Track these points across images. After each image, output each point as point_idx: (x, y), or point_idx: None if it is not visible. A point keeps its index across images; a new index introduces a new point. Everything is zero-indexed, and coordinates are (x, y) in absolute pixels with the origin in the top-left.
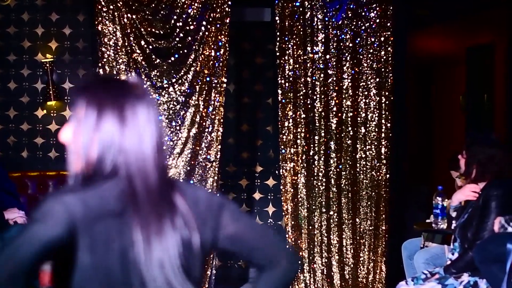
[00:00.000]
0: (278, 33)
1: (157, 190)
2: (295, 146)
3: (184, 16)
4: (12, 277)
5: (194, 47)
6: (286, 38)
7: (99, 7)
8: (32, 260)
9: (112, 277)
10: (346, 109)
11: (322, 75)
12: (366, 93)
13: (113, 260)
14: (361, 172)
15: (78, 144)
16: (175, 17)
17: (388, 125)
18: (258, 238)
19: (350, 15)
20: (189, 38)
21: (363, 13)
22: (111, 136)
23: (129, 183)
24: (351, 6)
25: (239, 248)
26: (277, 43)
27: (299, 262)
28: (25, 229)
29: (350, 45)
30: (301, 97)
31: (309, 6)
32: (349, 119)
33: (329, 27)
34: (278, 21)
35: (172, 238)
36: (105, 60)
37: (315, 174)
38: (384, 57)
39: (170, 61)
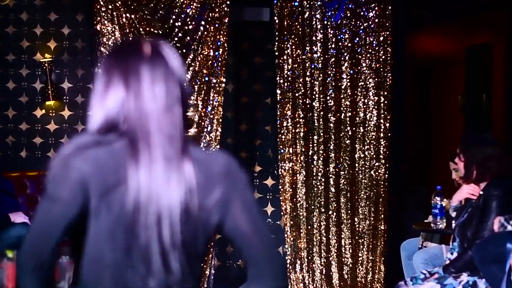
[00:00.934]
0: (277, 33)
1: (160, 151)
2: (294, 146)
3: (183, 15)
4: (39, 264)
5: (193, 46)
6: (285, 38)
7: (98, 7)
8: (57, 241)
9: (121, 239)
10: (345, 109)
11: (321, 75)
12: (365, 93)
13: (124, 222)
14: (360, 172)
15: (92, 105)
16: (173, 16)
17: (387, 125)
18: (256, 242)
19: (349, 15)
20: (188, 37)
21: (362, 13)
22: (116, 98)
23: (131, 143)
24: (350, 6)
25: (236, 240)
26: (276, 43)
27: (284, 281)
28: (42, 211)
29: (349, 45)
30: (300, 97)
31: (308, 6)
32: (348, 119)
33: (328, 27)
34: (277, 21)
35: (172, 198)
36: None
37: (314, 174)
38: (383, 57)
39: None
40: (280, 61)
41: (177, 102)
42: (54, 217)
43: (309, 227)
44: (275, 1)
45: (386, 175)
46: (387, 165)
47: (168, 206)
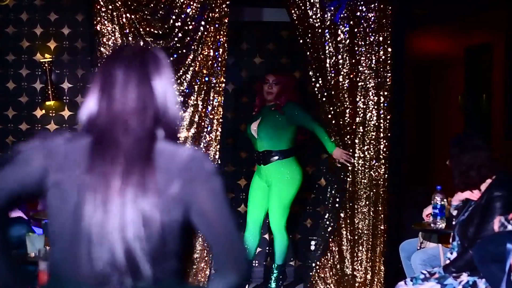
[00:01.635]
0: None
1: (124, 154)
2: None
3: (183, 16)
4: None
5: (192, 47)
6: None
7: (98, 7)
8: (6, 199)
9: (64, 230)
10: (345, 109)
11: (320, 75)
12: (364, 93)
13: (67, 213)
14: (360, 172)
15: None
16: (173, 17)
17: (387, 125)
18: (221, 236)
19: (348, 14)
20: (188, 38)
21: (362, 13)
22: (94, 99)
23: (96, 143)
24: (350, 6)
25: (202, 231)
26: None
27: (248, 278)
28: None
29: (349, 45)
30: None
31: (308, 5)
32: (347, 118)
33: (327, 26)
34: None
35: (129, 206)
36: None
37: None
38: (383, 57)
39: (168, 61)
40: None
41: (149, 105)
42: (8, 175)
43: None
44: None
45: (386, 175)
46: (387, 165)
47: (124, 205)
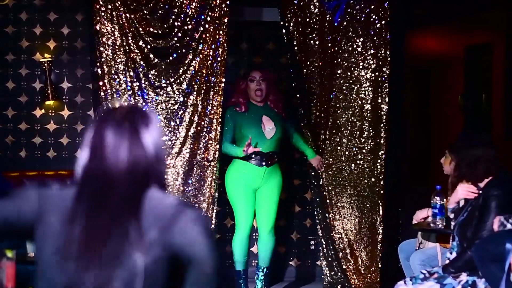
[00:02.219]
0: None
1: (109, 211)
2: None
3: (182, 15)
4: None
5: (192, 46)
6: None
7: (97, 6)
8: None
9: (45, 272)
10: (343, 108)
11: (320, 75)
12: (363, 93)
13: (49, 260)
14: (358, 171)
15: None
16: (173, 16)
17: (386, 125)
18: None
19: (348, 14)
20: (187, 37)
21: (361, 13)
22: (85, 156)
23: (86, 197)
24: (349, 6)
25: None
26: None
27: None
28: None
29: (348, 44)
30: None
31: (307, 5)
32: (346, 118)
33: (327, 27)
34: (287, 23)
35: (111, 264)
36: (103, 59)
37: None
38: (382, 57)
39: (168, 60)
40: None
41: (140, 162)
42: (3, 206)
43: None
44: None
45: (385, 175)
46: (386, 164)
47: (103, 260)
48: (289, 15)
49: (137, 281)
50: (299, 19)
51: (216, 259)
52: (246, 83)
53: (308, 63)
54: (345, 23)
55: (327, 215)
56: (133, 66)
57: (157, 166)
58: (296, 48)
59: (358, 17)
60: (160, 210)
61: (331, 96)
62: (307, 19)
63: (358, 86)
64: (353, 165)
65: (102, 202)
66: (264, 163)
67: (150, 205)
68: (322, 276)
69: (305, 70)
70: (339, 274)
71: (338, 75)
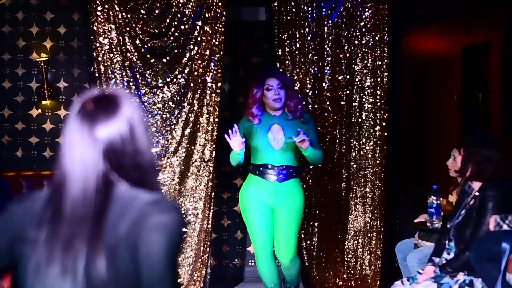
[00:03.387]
0: (275, 31)
1: (72, 214)
2: None
3: (179, 15)
4: None
5: (189, 46)
6: (282, 37)
7: (94, 6)
8: None
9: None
10: (341, 108)
11: (317, 75)
12: (361, 92)
13: (28, 273)
14: (356, 171)
15: None
16: (170, 16)
17: (384, 124)
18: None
19: (345, 14)
20: (184, 37)
21: (358, 13)
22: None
23: (47, 202)
24: (346, 5)
25: (142, 275)
26: (275, 42)
27: None
28: None
29: (345, 44)
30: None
31: (304, 5)
32: (344, 118)
33: (324, 26)
34: (274, 20)
35: (72, 270)
36: (100, 59)
37: (310, 173)
38: (380, 57)
39: (165, 60)
40: (279, 60)
41: (95, 162)
42: None
43: (305, 225)
44: (274, 3)
45: (383, 175)
46: (384, 164)
47: (70, 266)
48: (282, 15)
49: None
50: (293, 18)
51: (171, 280)
52: (262, 91)
53: (302, 65)
54: (341, 23)
55: (323, 215)
56: (129, 65)
57: (130, 160)
58: (288, 49)
59: (355, 17)
60: (128, 212)
61: (328, 97)
62: (301, 19)
63: (356, 86)
64: (352, 165)
65: (60, 208)
66: (276, 178)
67: (124, 201)
68: (320, 276)
69: (298, 70)
70: (336, 274)
71: (335, 76)
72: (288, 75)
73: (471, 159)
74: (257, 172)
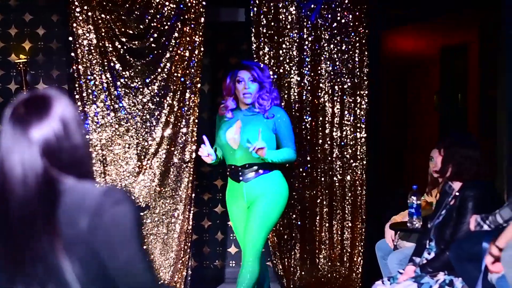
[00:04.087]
0: (253, 33)
1: (19, 218)
2: None
3: (158, 16)
4: None
5: (168, 47)
6: (261, 39)
7: (73, 7)
8: None
9: None
10: (321, 109)
11: (296, 76)
12: (341, 93)
13: None
14: (337, 172)
15: None
16: (149, 17)
17: (363, 126)
18: (123, 269)
19: (324, 15)
20: (164, 38)
21: (338, 13)
22: None
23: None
24: (325, 7)
25: (108, 266)
26: (253, 44)
27: None
28: None
29: (325, 45)
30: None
31: (283, 6)
32: (324, 120)
33: (304, 27)
34: (253, 21)
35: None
36: (79, 60)
37: (292, 174)
38: (359, 57)
39: (144, 61)
40: (257, 61)
41: (34, 164)
42: None
43: (287, 227)
44: (251, 1)
45: (364, 176)
46: (364, 165)
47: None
48: (261, 16)
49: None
50: (271, 19)
51: (142, 266)
52: (234, 84)
53: (281, 66)
54: (320, 24)
55: (306, 215)
56: (109, 67)
57: (68, 156)
58: (267, 50)
59: (334, 18)
60: (84, 206)
61: (308, 98)
62: (280, 20)
63: (335, 88)
64: (334, 166)
65: (6, 214)
66: (241, 178)
67: (75, 195)
68: (301, 276)
69: (277, 71)
70: (318, 274)
71: (315, 77)
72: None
73: (452, 159)
74: (228, 174)
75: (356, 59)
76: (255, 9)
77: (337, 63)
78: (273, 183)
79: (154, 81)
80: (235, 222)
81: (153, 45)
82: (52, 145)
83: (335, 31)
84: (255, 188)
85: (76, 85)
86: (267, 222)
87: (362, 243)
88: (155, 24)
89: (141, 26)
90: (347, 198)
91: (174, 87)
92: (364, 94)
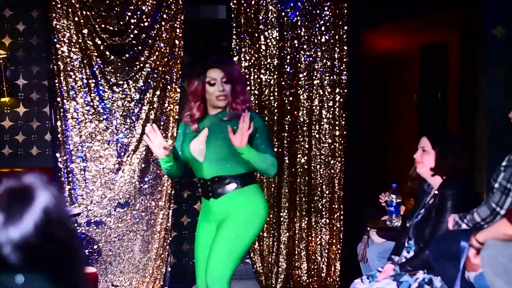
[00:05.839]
0: (234, 31)
1: None
2: None
3: (138, 12)
4: None
5: (148, 44)
6: (242, 36)
7: (53, 3)
8: None
9: None
10: (300, 107)
11: (276, 73)
12: (320, 90)
13: None
14: (316, 169)
15: None
16: (129, 13)
17: (343, 122)
18: None
19: (304, 13)
20: (144, 35)
21: (317, 11)
22: None
23: None
24: (306, 4)
25: None
26: (233, 41)
27: None
28: None
29: (305, 43)
30: (256, 95)
31: (263, 3)
32: (303, 116)
33: (284, 25)
34: (233, 19)
35: None
36: (59, 56)
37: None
38: (338, 55)
39: (124, 57)
40: (237, 59)
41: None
42: None
43: (265, 225)
44: (234, 1)
45: (342, 173)
46: (343, 162)
47: None
48: (241, 13)
49: None
50: (252, 17)
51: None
52: (203, 86)
53: (261, 63)
54: (300, 22)
55: (281, 214)
56: (89, 63)
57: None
58: (247, 47)
59: (314, 16)
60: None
61: (287, 96)
62: (260, 18)
63: (314, 85)
64: (312, 164)
65: None
66: (211, 194)
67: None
68: (278, 274)
69: (256, 71)
70: (296, 272)
71: (294, 75)
72: (235, 63)
73: (447, 157)
74: (199, 188)
75: (336, 56)
76: (236, 6)
77: (317, 61)
78: (248, 199)
79: (134, 77)
80: (197, 245)
81: (133, 41)
82: (31, 240)
83: (315, 29)
84: (225, 205)
85: (56, 81)
86: (238, 247)
87: (340, 241)
88: (135, 20)
89: (121, 23)
90: (324, 195)
91: (154, 84)
92: (343, 92)
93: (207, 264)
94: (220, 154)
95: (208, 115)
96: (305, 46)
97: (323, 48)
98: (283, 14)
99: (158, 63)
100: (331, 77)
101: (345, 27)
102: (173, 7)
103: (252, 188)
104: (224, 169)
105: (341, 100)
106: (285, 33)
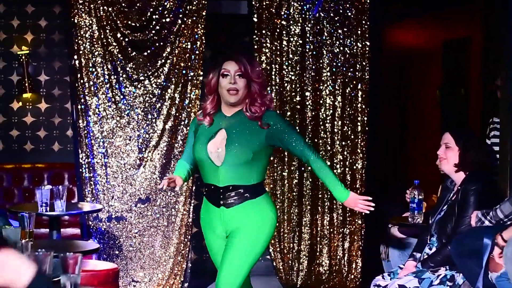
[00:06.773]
0: (255, 26)
1: None
2: None
3: (160, 8)
4: None
5: (170, 39)
6: (263, 32)
7: None
8: None
9: None
10: (322, 103)
11: (298, 69)
12: (342, 87)
13: None
14: (337, 166)
15: None
16: (151, 9)
17: (365, 118)
18: None
19: (326, 8)
20: (165, 30)
21: (340, 7)
22: None
23: None
24: (327, 1)
25: None
26: (254, 36)
27: None
28: None
29: (327, 38)
30: (277, 91)
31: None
32: (325, 113)
33: (306, 20)
34: (255, 14)
35: None
36: (81, 52)
37: (291, 168)
38: (361, 51)
39: (146, 53)
40: (258, 54)
41: None
42: None
43: (286, 221)
44: None
45: (364, 169)
46: (365, 159)
47: None
48: (262, 8)
49: None
50: (273, 12)
51: None
52: (217, 78)
53: (283, 59)
54: (322, 18)
55: (303, 211)
56: (110, 59)
57: None
58: (268, 43)
59: (336, 12)
60: None
61: (310, 92)
62: (282, 13)
63: (336, 81)
64: (334, 161)
65: None
66: (221, 202)
67: None
68: (300, 271)
69: (278, 67)
70: (318, 269)
71: (317, 70)
72: (255, 61)
73: (470, 153)
74: (205, 193)
75: (358, 52)
76: (257, 1)
77: (339, 56)
78: (260, 210)
79: (156, 73)
80: (212, 250)
81: (155, 37)
82: None
83: (337, 24)
84: (238, 216)
85: (78, 77)
86: (251, 256)
87: (362, 237)
88: (157, 16)
89: (143, 18)
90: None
91: (176, 80)
92: (366, 88)
93: (220, 272)
94: (241, 159)
95: (224, 115)
96: (327, 42)
97: (345, 44)
98: (305, 9)
99: (179, 59)
100: (353, 73)
101: (368, 23)
102: (195, 3)
103: (263, 198)
104: (240, 177)
105: (364, 96)
106: (307, 28)
